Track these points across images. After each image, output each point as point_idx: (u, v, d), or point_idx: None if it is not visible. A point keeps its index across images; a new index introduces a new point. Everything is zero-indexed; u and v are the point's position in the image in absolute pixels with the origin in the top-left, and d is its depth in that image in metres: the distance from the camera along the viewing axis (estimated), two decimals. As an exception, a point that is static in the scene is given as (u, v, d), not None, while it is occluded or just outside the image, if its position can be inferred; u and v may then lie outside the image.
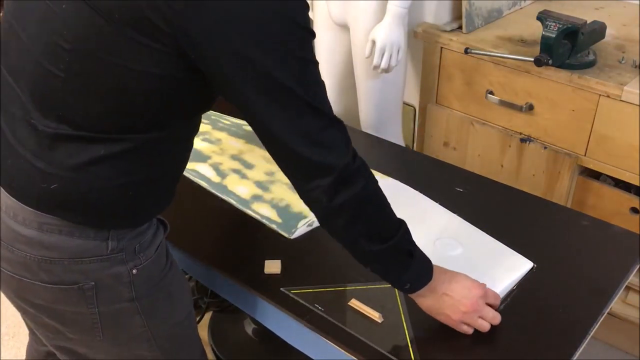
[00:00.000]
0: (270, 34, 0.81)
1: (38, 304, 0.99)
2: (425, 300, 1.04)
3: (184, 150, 1.04)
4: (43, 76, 0.88)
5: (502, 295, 1.10)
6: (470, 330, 1.04)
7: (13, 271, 0.97)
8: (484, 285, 1.07)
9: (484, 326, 1.04)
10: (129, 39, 0.82)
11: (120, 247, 0.96)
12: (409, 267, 0.99)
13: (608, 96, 1.66)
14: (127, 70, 0.84)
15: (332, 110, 0.92)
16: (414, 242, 1.01)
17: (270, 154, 0.92)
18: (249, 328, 1.61)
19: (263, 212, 1.32)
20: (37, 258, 0.94)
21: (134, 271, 0.98)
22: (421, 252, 1.02)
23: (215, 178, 1.44)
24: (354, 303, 1.10)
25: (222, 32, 0.80)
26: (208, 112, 1.72)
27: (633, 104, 1.62)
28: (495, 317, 1.05)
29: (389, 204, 0.98)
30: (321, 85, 0.90)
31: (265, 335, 1.57)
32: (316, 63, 0.88)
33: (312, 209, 0.94)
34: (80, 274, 0.95)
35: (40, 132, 0.89)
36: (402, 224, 1.00)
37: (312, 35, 0.86)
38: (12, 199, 0.94)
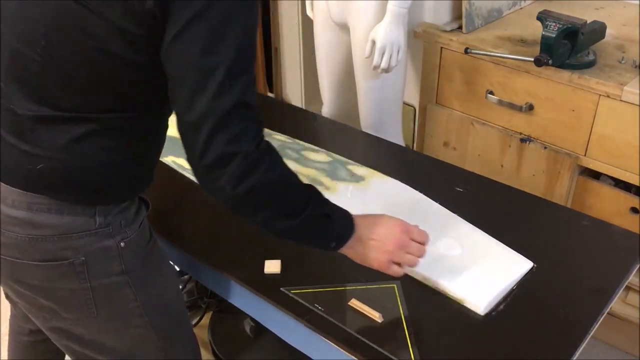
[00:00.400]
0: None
1: (33, 285, 1.02)
2: (352, 250, 1.04)
3: (160, 130, 1.07)
4: (20, 61, 0.91)
5: (502, 295, 1.11)
6: (400, 271, 1.05)
7: (6, 254, 1.00)
8: (405, 222, 1.07)
9: (413, 261, 1.05)
10: (102, 21, 0.85)
11: (107, 222, 1.00)
12: (329, 228, 1.00)
13: (608, 96, 1.66)
14: (101, 52, 0.87)
15: (253, 99, 0.92)
16: (328, 201, 1.00)
17: (179, 132, 0.90)
18: (248, 326, 1.62)
19: (263, 212, 1.32)
20: (28, 237, 0.97)
21: (122, 244, 1.01)
22: (337, 207, 1.01)
23: (215, 178, 1.43)
24: (354, 303, 1.10)
25: None
26: (208, 112, 1.72)
27: (633, 104, 1.62)
28: (420, 250, 1.06)
29: (295, 176, 0.97)
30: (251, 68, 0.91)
31: (263, 333, 1.57)
32: (255, 47, 0.90)
33: (217, 198, 0.92)
34: (70, 250, 0.98)
35: (21, 116, 0.93)
36: (311, 190, 0.99)
37: (256, 20, 0.89)
38: (0, 183, 0.97)
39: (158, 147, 1.08)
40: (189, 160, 0.90)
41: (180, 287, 1.70)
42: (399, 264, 1.05)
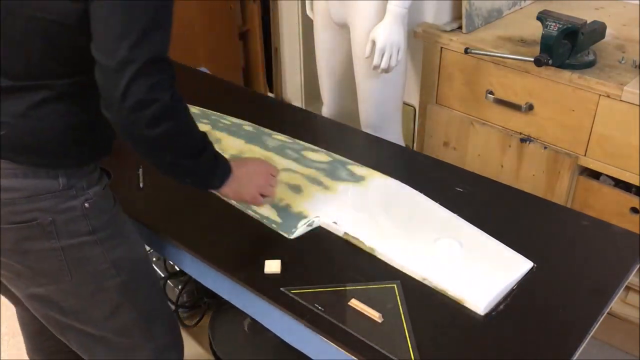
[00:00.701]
0: None
1: (6, 249, 1.09)
2: (230, 188, 1.17)
3: None
4: None
5: (502, 295, 1.11)
6: (261, 200, 1.23)
7: None
8: (264, 160, 1.30)
9: (272, 192, 1.26)
10: None
11: (70, 184, 1.07)
12: (218, 167, 1.14)
13: (608, 96, 1.66)
14: (50, 22, 0.96)
15: (168, 54, 0.98)
16: (214, 148, 1.12)
17: (98, 79, 0.96)
18: (246, 323, 1.62)
19: (263, 212, 1.32)
20: None
21: (87, 204, 1.09)
22: (219, 153, 1.14)
23: (215, 178, 1.44)
24: (354, 303, 1.10)
25: None
26: (208, 112, 1.73)
27: (633, 104, 1.62)
28: (275, 180, 1.27)
29: (195, 122, 1.06)
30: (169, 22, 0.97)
31: (263, 332, 1.57)
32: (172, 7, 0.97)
33: (133, 141, 1.00)
34: (38, 211, 1.05)
35: None
36: (205, 134, 1.09)
37: None
38: None
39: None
40: (109, 104, 0.96)
41: (180, 287, 1.71)
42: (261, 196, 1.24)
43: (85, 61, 0.96)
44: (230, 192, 1.19)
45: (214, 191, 1.19)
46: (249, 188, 1.21)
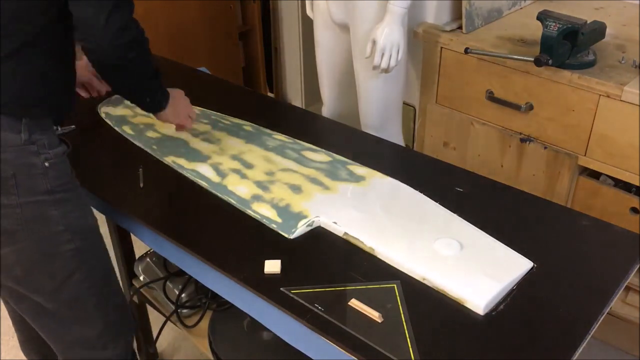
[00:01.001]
0: None
1: None
2: (169, 110, 1.40)
3: (68, 52, 1.23)
4: None
5: (502, 295, 1.11)
6: (191, 123, 1.51)
7: None
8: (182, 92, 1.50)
9: (193, 113, 1.53)
10: None
11: (32, 139, 1.13)
12: (164, 90, 1.38)
13: (608, 96, 1.66)
14: None
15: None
16: None
17: (79, 14, 1.12)
18: (246, 323, 1.62)
19: (263, 212, 1.32)
20: None
21: (47, 164, 1.15)
22: None
23: (215, 178, 1.44)
24: (354, 303, 1.10)
25: None
26: (208, 112, 1.73)
27: (633, 104, 1.62)
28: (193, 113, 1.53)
29: (151, 54, 1.28)
30: None
31: (263, 332, 1.57)
32: None
33: (111, 62, 1.19)
34: (0, 163, 1.11)
35: None
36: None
37: None
38: None
39: (68, 68, 1.24)
40: (93, 33, 1.12)
41: (180, 287, 1.71)
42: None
43: (58, 9, 1.11)
44: (170, 115, 1.42)
45: (159, 114, 1.41)
46: (182, 110, 1.46)
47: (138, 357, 1.87)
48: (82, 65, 1.67)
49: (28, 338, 1.62)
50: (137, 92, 1.34)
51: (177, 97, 1.46)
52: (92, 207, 1.38)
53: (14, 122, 1.11)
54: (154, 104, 1.39)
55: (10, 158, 1.11)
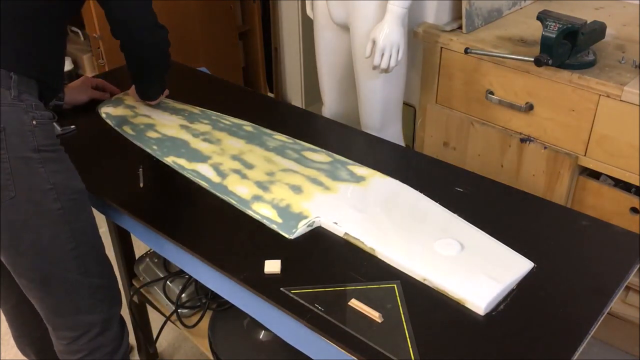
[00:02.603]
0: None
1: None
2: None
3: (64, 40, 1.38)
4: None
5: (502, 295, 1.11)
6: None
7: None
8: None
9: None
10: None
11: (21, 98, 1.19)
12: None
13: (608, 96, 1.66)
14: None
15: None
16: None
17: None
18: (246, 323, 1.62)
19: (263, 212, 1.32)
20: None
21: (34, 122, 1.20)
22: None
23: (216, 178, 1.44)
24: (354, 303, 1.10)
25: None
26: (208, 112, 1.73)
27: (633, 104, 1.62)
28: None
29: None
30: None
31: (263, 332, 1.57)
32: None
33: (156, 54, 1.48)
34: None
35: None
36: None
37: None
38: None
39: (60, 45, 1.36)
40: (146, 28, 1.41)
41: (180, 287, 1.71)
42: None
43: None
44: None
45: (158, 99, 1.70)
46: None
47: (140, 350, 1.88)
48: (78, 84, 1.74)
49: (21, 334, 1.66)
50: (156, 81, 1.61)
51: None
52: (93, 207, 1.39)
53: (6, 79, 1.18)
54: (159, 92, 1.67)
55: (1, 112, 1.16)
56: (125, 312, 2.21)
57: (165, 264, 1.80)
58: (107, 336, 1.44)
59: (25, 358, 1.74)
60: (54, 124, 1.60)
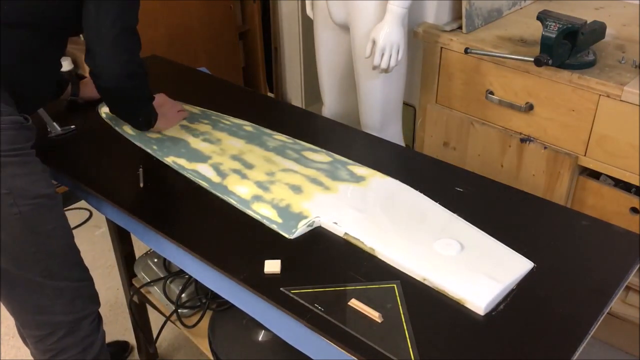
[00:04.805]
0: None
1: None
2: (159, 123, 1.58)
3: (59, 56, 1.44)
4: None
5: (502, 295, 1.11)
6: (186, 114, 1.69)
7: None
8: (165, 96, 1.68)
9: (185, 114, 1.69)
10: None
11: None
12: (153, 108, 1.55)
13: (608, 96, 1.66)
14: None
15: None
16: None
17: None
18: (246, 323, 1.62)
19: (263, 212, 1.32)
20: None
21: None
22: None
23: (216, 178, 1.44)
24: (354, 303, 1.10)
25: None
26: (208, 112, 1.73)
27: (633, 104, 1.62)
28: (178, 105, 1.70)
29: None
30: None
31: (263, 332, 1.57)
32: None
33: (116, 87, 1.39)
34: None
35: None
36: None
37: None
38: None
39: (54, 70, 1.46)
40: (103, 61, 1.35)
41: (180, 287, 1.71)
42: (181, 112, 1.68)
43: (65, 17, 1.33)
44: (162, 125, 1.60)
45: (151, 130, 1.60)
46: (170, 114, 1.64)
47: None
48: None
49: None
50: (132, 114, 1.53)
51: (163, 105, 1.63)
52: (93, 208, 1.38)
53: None
54: (145, 124, 1.56)
55: None
56: (125, 312, 2.22)
57: (165, 264, 1.80)
58: (77, 336, 1.45)
59: (25, 356, 1.74)
60: (54, 123, 1.61)
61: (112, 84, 1.38)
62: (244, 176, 1.44)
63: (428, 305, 1.10)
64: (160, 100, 1.63)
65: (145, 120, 1.55)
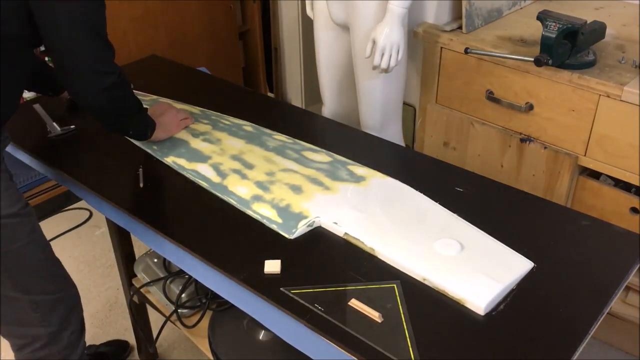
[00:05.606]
0: None
1: None
2: (157, 133, 1.50)
3: (27, 69, 1.36)
4: None
5: (502, 295, 1.11)
6: (189, 122, 1.62)
7: None
8: (163, 103, 1.60)
9: (189, 121, 1.62)
10: None
11: None
12: (148, 121, 1.47)
13: (608, 96, 1.66)
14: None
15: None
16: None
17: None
18: (246, 323, 1.62)
19: (263, 212, 1.32)
20: None
21: None
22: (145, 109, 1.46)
23: (216, 178, 1.44)
24: (354, 303, 1.10)
25: None
26: (208, 112, 1.73)
27: (633, 104, 1.62)
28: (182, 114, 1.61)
29: (133, 92, 1.41)
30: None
31: (263, 332, 1.57)
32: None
33: (93, 104, 1.28)
34: None
35: None
36: (138, 99, 1.42)
37: None
38: None
39: (21, 84, 1.34)
40: (78, 79, 1.24)
41: (180, 287, 1.71)
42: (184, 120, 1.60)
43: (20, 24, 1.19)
44: (161, 134, 1.52)
45: (149, 141, 1.52)
46: (171, 124, 1.56)
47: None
48: None
49: None
50: (121, 127, 1.42)
51: (164, 114, 1.55)
52: (93, 208, 1.38)
53: None
54: (139, 134, 1.49)
55: None
56: (125, 312, 2.22)
57: (165, 264, 1.80)
58: (57, 346, 1.45)
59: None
60: (54, 124, 1.61)
61: (92, 99, 1.26)
62: (244, 176, 1.44)
63: (428, 305, 1.10)
64: (161, 109, 1.56)
65: (137, 132, 1.47)
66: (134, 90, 1.79)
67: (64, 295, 1.45)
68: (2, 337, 1.47)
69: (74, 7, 1.16)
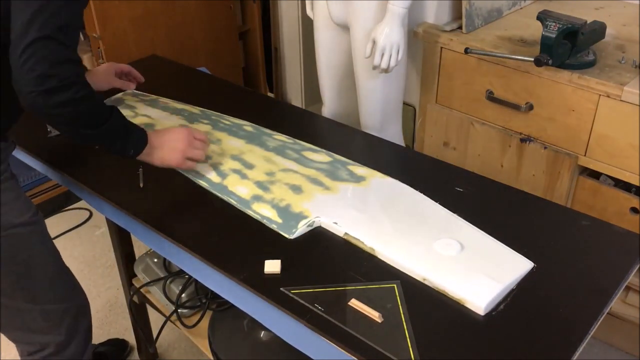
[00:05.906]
0: None
1: None
2: (150, 156, 1.31)
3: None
4: None
5: (502, 295, 1.11)
6: (193, 164, 1.39)
7: None
8: (186, 127, 1.38)
9: (201, 155, 1.38)
10: None
11: None
12: (128, 137, 1.26)
13: (608, 96, 1.66)
14: None
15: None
16: (128, 120, 1.28)
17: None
18: (246, 323, 1.62)
19: (263, 212, 1.32)
20: None
21: None
22: (136, 125, 1.29)
23: (216, 178, 1.44)
24: (354, 303, 1.10)
25: None
26: (208, 112, 1.73)
27: (633, 104, 1.62)
28: (204, 145, 1.40)
29: (99, 98, 1.20)
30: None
31: (263, 332, 1.57)
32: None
33: (33, 109, 1.11)
34: None
35: None
36: (113, 109, 1.23)
37: None
38: None
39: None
40: (15, 79, 1.09)
41: (180, 287, 1.71)
42: (191, 161, 1.37)
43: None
44: (153, 159, 1.33)
45: (141, 158, 1.32)
46: (172, 154, 1.34)
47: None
48: (101, 70, 1.68)
49: None
50: (85, 139, 1.23)
51: (163, 142, 1.34)
52: (93, 208, 1.38)
53: None
54: (116, 151, 1.27)
55: None
56: (125, 312, 2.22)
57: (165, 264, 1.80)
58: (65, 354, 1.46)
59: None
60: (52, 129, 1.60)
61: (31, 105, 1.10)
62: (244, 176, 1.44)
63: (428, 305, 1.10)
64: (168, 132, 1.36)
65: (113, 147, 1.26)
66: (134, 91, 1.80)
67: (74, 304, 1.46)
68: (9, 341, 1.47)
69: (32, 5, 1.06)
